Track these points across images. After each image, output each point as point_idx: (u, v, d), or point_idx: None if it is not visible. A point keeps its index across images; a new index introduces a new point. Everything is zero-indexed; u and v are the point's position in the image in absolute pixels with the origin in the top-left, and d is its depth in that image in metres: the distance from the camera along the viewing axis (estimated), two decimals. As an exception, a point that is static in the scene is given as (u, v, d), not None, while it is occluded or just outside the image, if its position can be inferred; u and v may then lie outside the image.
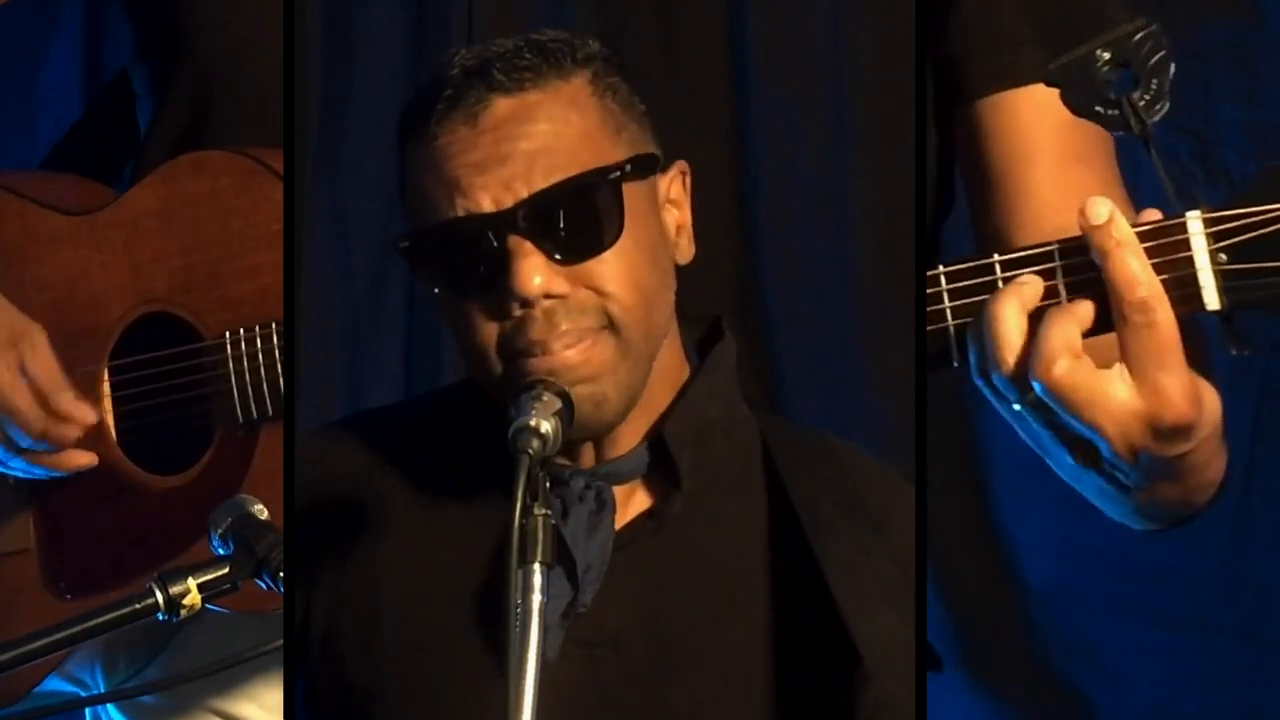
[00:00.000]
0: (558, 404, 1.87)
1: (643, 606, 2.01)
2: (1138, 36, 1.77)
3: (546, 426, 1.83)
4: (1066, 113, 1.81)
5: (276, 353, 2.32)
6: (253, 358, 2.32)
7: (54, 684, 2.43)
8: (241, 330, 2.32)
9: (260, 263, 2.32)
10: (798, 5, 3.04)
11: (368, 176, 3.10)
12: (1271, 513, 3.00)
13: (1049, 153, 2.09)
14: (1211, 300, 1.72)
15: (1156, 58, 1.77)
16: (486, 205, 1.93)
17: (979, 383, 1.79)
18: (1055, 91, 1.80)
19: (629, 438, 2.03)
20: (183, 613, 1.91)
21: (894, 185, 2.89)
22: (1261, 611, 3.16)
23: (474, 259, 1.94)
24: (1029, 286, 1.76)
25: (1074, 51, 1.79)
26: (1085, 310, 1.74)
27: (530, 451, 1.79)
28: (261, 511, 1.96)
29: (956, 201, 2.22)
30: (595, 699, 1.98)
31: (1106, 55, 1.78)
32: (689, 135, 2.62)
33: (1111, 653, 3.27)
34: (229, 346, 2.33)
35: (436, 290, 1.99)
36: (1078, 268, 1.76)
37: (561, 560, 1.95)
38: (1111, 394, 1.72)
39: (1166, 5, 1.98)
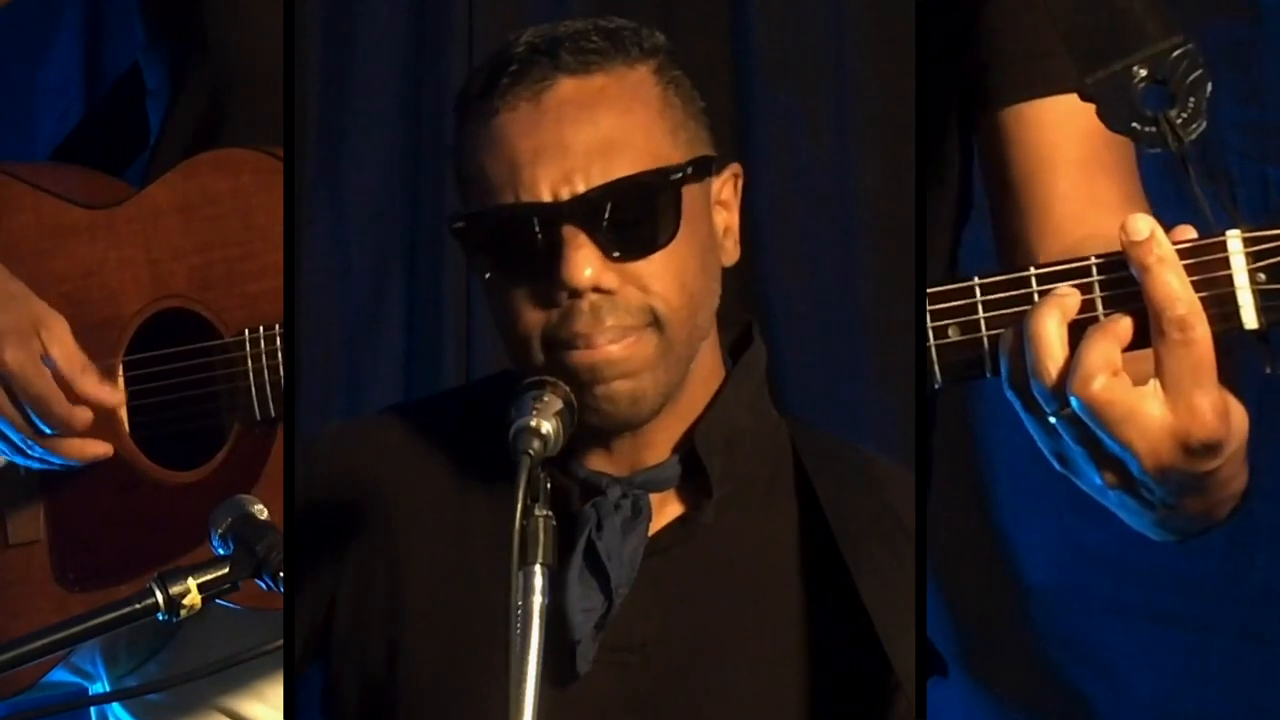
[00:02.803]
0: (559, 404, 1.86)
1: (672, 613, 2.00)
2: (1175, 54, 1.76)
3: (547, 427, 1.82)
4: (1091, 123, 1.79)
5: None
6: (271, 355, 2.31)
7: (58, 674, 2.43)
8: (261, 328, 2.32)
9: (280, 261, 2.32)
10: (800, 7, 3.05)
11: (368, 175, 3.10)
12: (1272, 513, 3.00)
13: (1073, 163, 2.08)
14: (1250, 319, 1.71)
15: (1194, 76, 1.75)
16: (544, 195, 1.92)
17: (1011, 395, 1.78)
18: (1080, 102, 1.79)
19: (665, 441, 2.02)
20: (182, 613, 1.92)
21: (896, 187, 2.89)
22: (1262, 611, 3.17)
23: (527, 246, 1.93)
24: (1070, 298, 1.75)
25: (1110, 67, 1.77)
26: (1125, 327, 1.73)
27: (531, 452, 1.79)
28: (261, 512, 1.96)
29: (976, 207, 2.21)
30: (623, 705, 1.98)
31: (1143, 72, 1.77)
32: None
33: (1111, 653, 3.27)
34: (248, 344, 2.32)
35: (487, 275, 1.98)
36: (1114, 282, 1.75)
37: (596, 573, 1.95)
38: (1146, 411, 1.71)
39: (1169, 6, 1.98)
